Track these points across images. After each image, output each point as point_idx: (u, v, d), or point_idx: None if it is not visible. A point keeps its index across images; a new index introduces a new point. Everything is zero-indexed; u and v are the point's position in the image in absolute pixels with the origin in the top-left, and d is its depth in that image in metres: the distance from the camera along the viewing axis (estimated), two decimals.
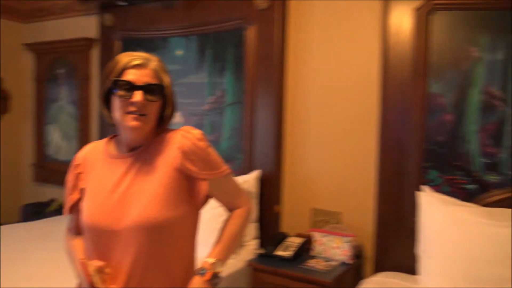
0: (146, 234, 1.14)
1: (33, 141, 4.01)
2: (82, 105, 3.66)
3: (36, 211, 3.55)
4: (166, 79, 1.22)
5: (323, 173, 2.63)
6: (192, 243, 1.27)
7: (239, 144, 2.81)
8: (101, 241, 1.18)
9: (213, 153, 1.26)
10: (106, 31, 3.38)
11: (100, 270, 1.15)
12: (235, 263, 2.40)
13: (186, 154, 1.18)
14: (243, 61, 2.78)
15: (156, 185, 1.17)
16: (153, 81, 1.18)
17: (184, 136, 1.21)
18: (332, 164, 2.60)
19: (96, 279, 1.14)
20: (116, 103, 1.17)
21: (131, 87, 1.15)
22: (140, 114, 1.15)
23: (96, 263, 1.15)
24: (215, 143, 2.91)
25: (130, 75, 1.16)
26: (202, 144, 1.22)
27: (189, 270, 1.24)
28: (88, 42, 3.53)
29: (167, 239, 1.17)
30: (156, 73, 1.19)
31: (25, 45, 3.97)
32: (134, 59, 1.17)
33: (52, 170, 3.81)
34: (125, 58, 1.18)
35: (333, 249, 2.41)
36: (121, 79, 1.16)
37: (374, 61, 2.42)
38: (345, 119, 2.55)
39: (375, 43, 2.41)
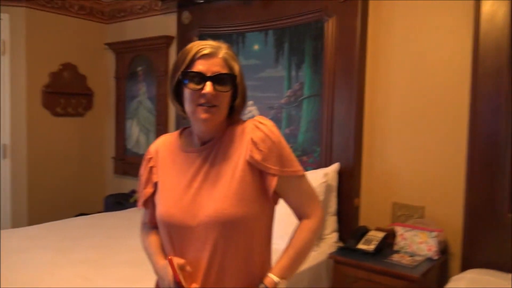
0: (221, 231, 1.11)
1: (114, 135, 4.24)
2: (160, 100, 3.82)
3: (118, 202, 3.75)
4: (236, 68, 1.16)
5: (404, 166, 2.56)
6: (267, 239, 1.23)
7: (316, 137, 2.81)
8: (177, 237, 1.17)
9: (286, 149, 1.18)
10: (183, 29, 3.49)
11: (181, 268, 1.13)
12: (316, 255, 2.40)
13: (256, 145, 1.14)
14: (321, 53, 2.77)
15: (230, 179, 1.13)
16: (223, 71, 1.13)
17: (256, 126, 1.17)
18: (415, 157, 2.52)
19: (181, 277, 1.11)
20: (187, 95, 1.14)
21: (201, 78, 1.11)
22: (211, 105, 1.12)
23: (178, 261, 1.13)
24: (292, 136, 2.92)
25: (200, 66, 1.12)
26: (274, 136, 1.16)
27: (265, 267, 1.21)
28: (166, 40, 3.67)
29: (243, 235, 1.14)
30: (226, 62, 1.14)
31: (106, 45, 4.20)
32: (203, 49, 1.13)
33: (132, 163, 4.00)
34: (194, 48, 1.14)
35: (417, 244, 2.34)
36: (191, 70, 1.12)
37: (465, 49, 2.31)
38: (430, 110, 2.46)
39: (466, 30, 2.31)
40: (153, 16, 3.86)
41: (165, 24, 3.74)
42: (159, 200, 1.22)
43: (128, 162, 4.08)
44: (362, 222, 2.69)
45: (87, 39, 4.14)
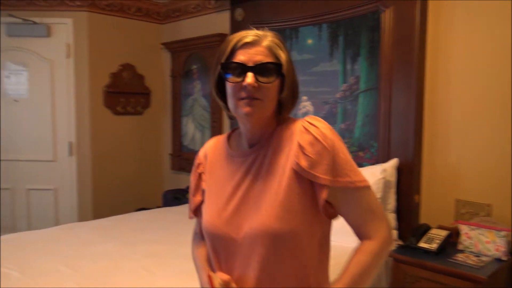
0: (268, 245, 0.99)
1: (170, 132, 4.37)
2: (214, 98, 3.86)
3: (176, 197, 3.86)
4: (283, 56, 1.03)
5: (468, 161, 2.44)
6: (323, 256, 1.08)
7: (374, 131, 2.73)
8: (222, 250, 1.07)
9: (343, 155, 1.01)
10: (237, 26, 3.52)
11: (226, 284, 1.03)
12: None
13: (303, 150, 0.99)
14: (378, 45, 2.69)
15: (276, 188, 1.00)
16: (267, 60, 1.00)
17: (304, 128, 1.02)
18: (479, 151, 2.39)
19: None
20: (228, 89, 1.03)
21: (242, 69, 0.99)
22: (253, 98, 1.00)
23: (222, 277, 1.04)
24: (348, 131, 2.87)
25: (241, 56, 1.01)
26: (326, 139, 1.00)
27: (323, 283, 1.08)
28: (220, 38, 3.71)
29: (293, 251, 1.00)
30: (270, 51, 1.02)
31: (162, 44, 4.32)
32: (244, 37, 1.02)
33: (188, 159, 4.10)
34: (236, 37, 1.03)
35: (484, 244, 2.22)
36: (231, 61, 1.02)
37: None
38: (495, 102, 2.32)
39: None
40: (207, 14, 3.92)
41: (219, 22, 3.78)
42: (204, 209, 1.13)
43: (184, 158, 4.18)
44: (422, 219, 2.60)
45: (144, 40, 4.28)
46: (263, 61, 1.00)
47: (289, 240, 0.99)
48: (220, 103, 1.11)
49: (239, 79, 1.00)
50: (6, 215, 3.85)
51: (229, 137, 1.18)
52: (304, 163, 0.99)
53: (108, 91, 4.00)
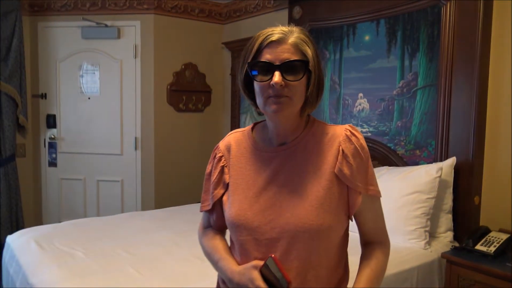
0: (305, 241, 1.03)
1: (229, 129, 4.49)
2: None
3: None
4: (310, 52, 1.04)
5: None
6: (345, 246, 1.15)
7: (432, 129, 2.64)
8: (251, 241, 1.07)
9: (371, 166, 1.11)
10: (295, 23, 3.50)
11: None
12: (427, 254, 2.27)
13: (347, 158, 1.06)
14: (438, 40, 2.60)
15: (317, 187, 1.05)
16: (294, 57, 1.01)
17: (348, 137, 1.07)
18: None
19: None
20: (256, 88, 1.05)
21: (269, 67, 1.01)
22: (281, 96, 1.01)
23: (257, 263, 1.04)
24: (404, 128, 2.79)
25: (267, 55, 1.02)
26: (364, 152, 1.08)
27: (345, 274, 1.15)
28: None
29: (327, 246, 1.06)
30: (297, 48, 1.03)
31: (223, 44, 4.45)
32: (270, 36, 1.02)
33: None
34: (262, 36, 1.04)
35: None
36: (257, 60, 1.03)
37: None
38: None
39: None
40: (266, 13, 3.98)
41: (277, 20, 3.78)
42: (231, 201, 1.12)
43: None
44: (483, 222, 2.47)
45: (206, 40, 4.44)
46: (289, 59, 1.01)
47: (324, 236, 1.04)
48: (248, 100, 1.13)
49: (266, 78, 1.02)
50: (79, 203, 4.19)
51: (251, 131, 1.19)
52: (347, 171, 1.05)
53: (171, 89, 4.20)
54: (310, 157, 1.08)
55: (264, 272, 1.02)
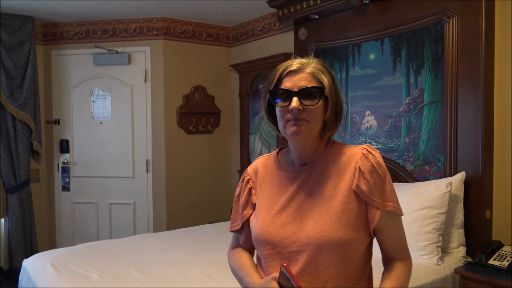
0: (324, 253, 1.08)
1: (239, 150, 4.54)
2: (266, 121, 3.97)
3: None
4: (326, 80, 1.14)
5: None
6: (367, 263, 1.18)
7: (440, 145, 2.66)
8: (274, 256, 1.15)
9: (390, 184, 1.16)
10: (300, 45, 3.62)
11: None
12: (441, 269, 2.27)
13: (363, 175, 1.12)
14: (442, 57, 2.64)
15: (335, 203, 1.11)
16: (310, 85, 1.12)
17: (364, 155, 1.14)
18: None
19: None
20: (277, 113, 1.15)
21: (288, 94, 1.11)
22: (299, 119, 1.10)
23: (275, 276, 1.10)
24: (413, 144, 2.82)
25: (287, 83, 1.13)
26: (381, 169, 1.14)
27: None
28: (285, 57, 3.82)
29: (345, 260, 1.10)
30: (314, 76, 1.13)
31: (231, 66, 4.54)
32: (290, 66, 1.14)
33: None
34: (282, 66, 1.16)
35: None
36: (278, 88, 1.14)
37: None
38: None
39: None
40: (272, 35, 4.07)
41: (283, 42, 3.92)
42: (256, 218, 1.20)
43: None
44: (495, 236, 2.46)
45: (214, 62, 4.54)
46: (306, 86, 1.12)
47: (343, 249, 1.09)
48: (271, 125, 1.23)
49: (286, 104, 1.12)
50: (92, 226, 4.23)
51: (277, 155, 1.29)
52: (364, 187, 1.11)
53: (181, 112, 4.28)
54: (329, 176, 1.15)
55: (282, 282, 1.07)
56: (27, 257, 2.79)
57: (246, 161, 4.42)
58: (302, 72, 1.13)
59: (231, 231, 1.33)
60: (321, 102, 1.13)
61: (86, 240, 3.22)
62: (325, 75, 1.15)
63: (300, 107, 1.10)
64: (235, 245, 1.35)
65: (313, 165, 1.18)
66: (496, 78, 2.47)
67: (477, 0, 2.44)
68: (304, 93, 1.11)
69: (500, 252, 2.21)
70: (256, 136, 4.30)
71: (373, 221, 1.12)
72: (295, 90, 1.11)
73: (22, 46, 3.92)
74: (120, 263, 2.41)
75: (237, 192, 1.31)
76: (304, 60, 1.16)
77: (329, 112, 1.15)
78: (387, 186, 1.14)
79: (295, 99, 1.10)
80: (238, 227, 1.28)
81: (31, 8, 3.76)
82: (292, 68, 1.14)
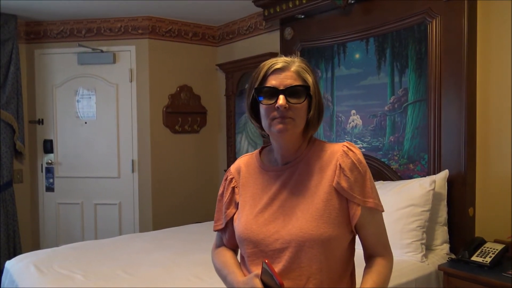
0: (306, 250, 1.09)
1: (225, 149, 4.53)
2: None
3: None
4: (310, 79, 1.15)
5: None
6: (349, 260, 1.19)
7: (424, 143, 2.69)
8: (257, 254, 1.15)
9: (371, 181, 1.16)
10: (286, 44, 3.63)
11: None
12: (425, 266, 2.30)
13: (344, 171, 1.13)
14: (426, 57, 2.67)
15: (317, 200, 1.12)
16: (296, 83, 1.12)
17: (345, 153, 1.15)
18: None
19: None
20: (262, 111, 1.14)
21: (274, 92, 1.11)
22: (285, 117, 1.11)
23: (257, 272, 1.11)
24: (397, 143, 2.85)
25: (272, 81, 1.13)
26: (361, 166, 1.15)
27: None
28: (270, 57, 3.73)
29: (327, 257, 1.11)
30: (298, 75, 1.14)
31: (217, 65, 4.53)
32: (275, 64, 1.14)
33: None
34: (267, 64, 1.15)
35: None
36: (264, 86, 1.13)
37: None
38: None
39: None
40: (258, 35, 4.08)
41: (269, 41, 3.92)
42: (239, 217, 1.21)
43: None
44: (478, 233, 2.50)
45: (200, 62, 4.52)
46: (292, 84, 1.12)
47: (325, 246, 1.10)
48: (254, 123, 1.23)
49: (271, 101, 1.12)
50: (77, 227, 4.19)
51: (259, 154, 1.29)
52: (344, 184, 1.12)
53: (167, 111, 4.26)
54: (311, 174, 1.16)
55: (265, 279, 1.07)
56: (10, 258, 2.75)
57: (232, 160, 4.41)
58: (287, 70, 1.13)
59: (215, 230, 1.33)
60: (305, 101, 1.14)
61: (71, 241, 3.18)
62: (309, 74, 1.16)
63: (287, 105, 1.10)
64: (219, 244, 1.35)
65: (295, 164, 1.19)
66: (479, 78, 2.51)
67: (460, 1, 2.48)
68: (290, 91, 1.11)
69: (483, 249, 2.25)
70: (243, 135, 4.30)
71: (354, 217, 1.13)
72: (282, 88, 1.11)
73: (4, 44, 3.85)
74: (105, 264, 2.39)
75: (220, 191, 1.32)
76: (288, 59, 1.16)
77: (313, 111, 1.16)
78: (367, 182, 1.15)
79: (281, 97, 1.10)
80: (222, 226, 1.29)
81: (14, 6, 3.70)
82: (278, 66, 1.14)
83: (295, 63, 1.16)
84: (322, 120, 1.21)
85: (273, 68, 1.14)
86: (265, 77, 1.14)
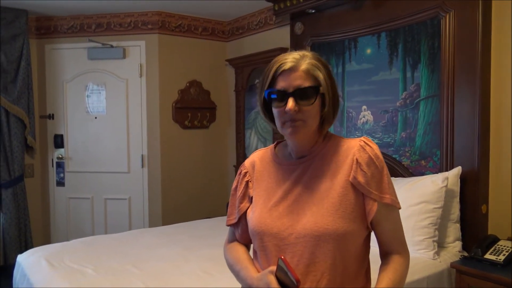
0: (321, 245, 1.07)
1: (235, 145, 4.52)
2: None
3: None
4: (321, 76, 1.12)
5: None
6: (364, 262, 1.17)
7: (436, 139, 2.66)
8: (271, 248, 1.14)
9: (388, 177, 1.14)
10: (296, 39, 3.60)
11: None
12: (436, 264, 2.27)
13: (361, 166, 1.11)
14: (439, 52, 2.63)
15: (332, 194, 1.10)
16: (305, 83, 1.09)
17: (362, 147, 1.13)
18: None
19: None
20: (274, 112, 1.13)
21: (283, 95, 1.09)
22: (295, 120, 1.09)
23: (272, 269, 1.08)
24: (409, 139, 2.81)
25: (281, 83, 1.10)
26: (378, 161, 1.12)
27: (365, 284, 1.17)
28: (280, 52, 3.75)
29: (342, 253, 1.09)
30: (308, 73, 1.10)
31: (227, 61, 4.51)
32: (283, 64, 1.10)
33: None
34: (276, 64, 1.12)
35: None
36: (273, 88, 1.11)
37: None
38: None
39: None
40: (268, 30, 4.05)
41: (279, 36, 3.90)
42: (253, 211, 1.20)
43: None
44: (491, 230, 2.47)
45: (209, 57, 4.51)
46: (301, 86, 1.09)
47: (340, 241, 1.08)
48: (268, 122, 1.21)
49: (282, 104, 1.10)
50: (87, 221, 4.21)
51: (274, 149, 1.28)
52: (361, 178, 1.10)
53: (176, 107, 4.26)
54: (326, 168, 1.14)
55: (279, 276, 1.05)
56: (21, 252, 2.77)
57: (241, 156, 4.41)
58: (296, 70, 1.10)
59: (228, 225, 1.31)
60: (317, 100, 1.11)
61: (81, 236, 3.21)
62: (320, 71, 1.12)
63: (296, 108, 1.08)
64: (232, 239, 1.33)
65: (310, 158, 1.17)
66: (493, 73, 2.47)
67: None
68: (299, 93, 1.09)
69: (496, 247, 2.22)
70: (252, 131, 4.29)
71: (370, 213, 1.11)
72: (290, 90, 1.09)
73: (15, 40, 3.87)
74: (115, 258, 2.40)
75: (234, 186, 1.30)
76: (297, 56, 1.12)
77: (328, 107, 1.14)
78: (384, 178, 1.12)
79: (290, 100, 1.08)
80: (235, 220, 1.27)
81: (25, 2, 3.71)
82: (286, 66, 1.10)
83: (306, 60, 1.11)
84: (337, 113, 1.19)
85: (281, 69, 1.10)
86: (274, 77, 1.12)
